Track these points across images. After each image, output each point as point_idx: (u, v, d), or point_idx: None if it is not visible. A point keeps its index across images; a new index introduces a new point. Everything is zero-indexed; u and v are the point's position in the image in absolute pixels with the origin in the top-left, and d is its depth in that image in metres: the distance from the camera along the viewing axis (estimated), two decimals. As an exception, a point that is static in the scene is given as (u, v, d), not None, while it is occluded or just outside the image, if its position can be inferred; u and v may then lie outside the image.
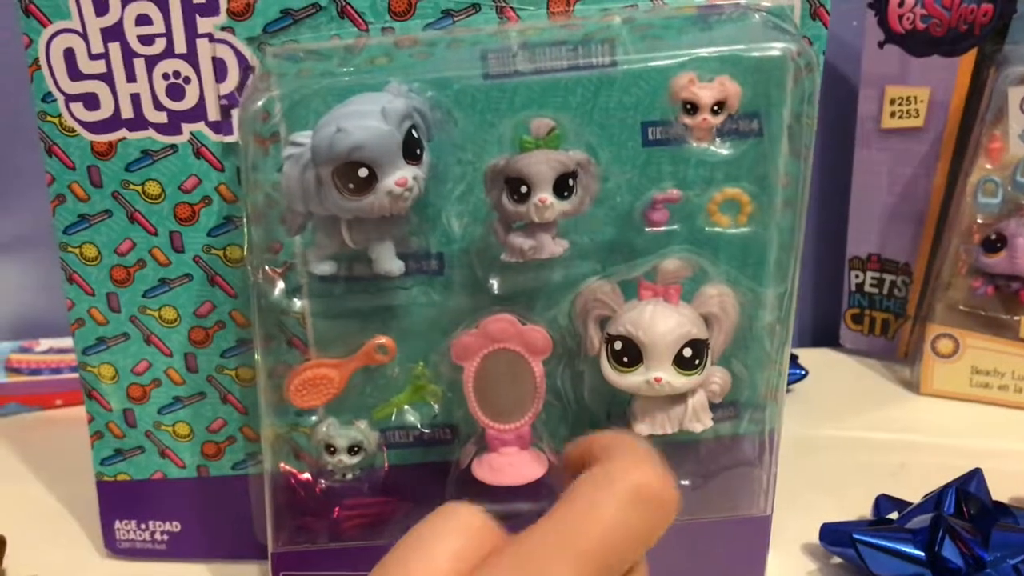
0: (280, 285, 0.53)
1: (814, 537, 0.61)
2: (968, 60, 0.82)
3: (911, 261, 0.89)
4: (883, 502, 0.64)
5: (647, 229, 0.53)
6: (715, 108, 0.50)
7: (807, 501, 0.65)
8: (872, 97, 0.86)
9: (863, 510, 0.65)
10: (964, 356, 0.82)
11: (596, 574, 0.31)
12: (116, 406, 0.61)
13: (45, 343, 0.89)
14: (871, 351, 0.93)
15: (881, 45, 0.84)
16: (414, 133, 0.49)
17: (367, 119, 0.47)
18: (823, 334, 0.96)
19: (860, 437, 0.77)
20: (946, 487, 0.60)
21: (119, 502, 0.63)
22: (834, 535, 0.60)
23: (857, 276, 0.91)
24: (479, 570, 0.32)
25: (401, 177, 0.48)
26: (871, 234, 0.90)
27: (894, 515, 0.62)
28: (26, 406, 0.85)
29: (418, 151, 0.49)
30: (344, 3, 0.52)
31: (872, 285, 0.91)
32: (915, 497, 0.62)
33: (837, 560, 0.61)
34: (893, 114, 0.85)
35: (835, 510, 0.64)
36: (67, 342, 0.89)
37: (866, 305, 0.92)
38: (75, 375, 0.84)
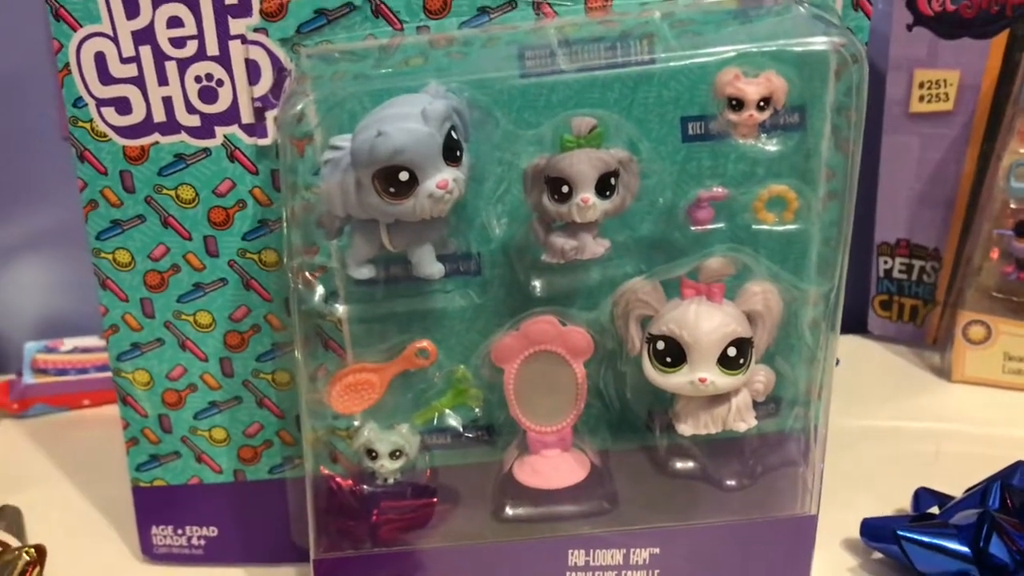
0: (320, 289, 0.53)
1: (853, 532, 0.61)
2: (999, 42, 0.80)
3: (940, 247, 0.88)
4: (923, 495, 0.64)
5: (692, 228, 0.52)
6: (761, 104, 0.49)
7: (844, 494, 0.64)
8: (900, 81, 0.84)
9: (901, 502, 0.65)
10: (996, 343, 0.82)
11: None
12: (151, 412, 0.60)
13: (69, 342, 0.88)
14: (899, 338, 0.92)
15: (910, 28, 0.83)
16: (454, 135, 0.48)
17: (408, 122, 0.46)
18: (850, 321, 0.94)
19: (893, 426, 0.76)
20: (990, 481, 0.59)
21: (155, 508, 0.62)
22: (875, 531, 0.60)
23: (885, 262, 0.90)
24: None
25: (442, 179, 0.47)
26: (899, 220, 0.89)
27: (934, 509, 0.62)
28: (53, 406, 0.85)
29: (458, 152, 0.48)
30: (379, 2, 0.51)
31: (901, 271, 0.90)
32: (953, 488, 0.62)
33: (878, 555, 0.60)
34: (922, 98, 0.84)
35: (873, 503, 0.63)
36: (92, 341, 0.88)
37: (895, 291, 0.91)
38: (102, 375, 0.84)
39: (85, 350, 0.87)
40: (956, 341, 0.83)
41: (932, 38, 0.82)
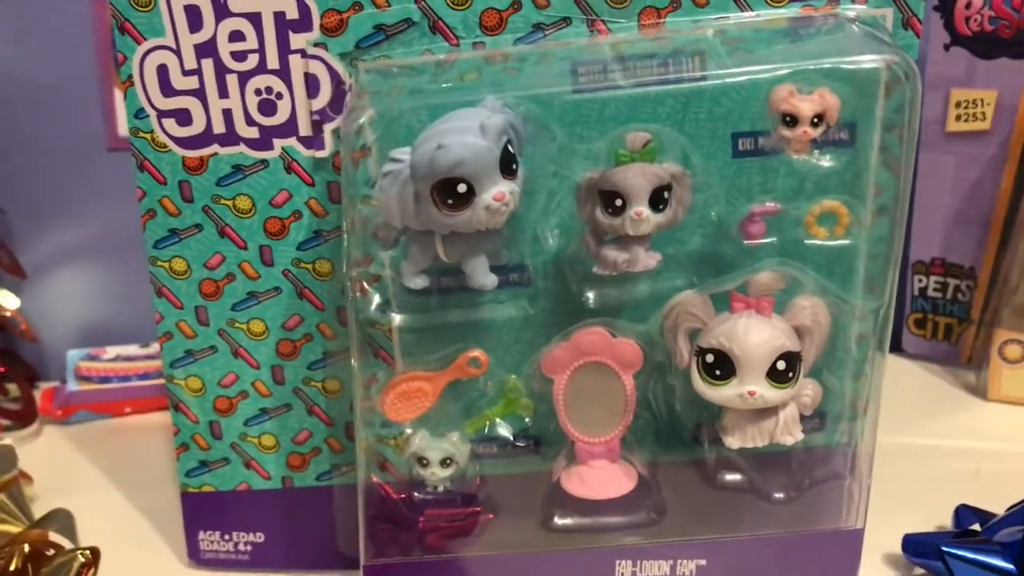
0: (376, 299, 0.54)
1: (895, 547, 0.61)
2: (1037, 63, 0.81)
3: (976, 265, 0.88)
4: (964, 512, 0.64)
5: (744, 242, 0.53)
6: (815, 120, 0.50)
7: (884, 510, 0.64)
8: (937, 100, 0.85)
9: (941, 519, 0.65)
10: (1033, 362, 0.82)
11: None
12: (202, 418, 0.61)
13: (112, 351, 0.90)
14: (933, 356, 0.92)
15: (947, 47, 0.83)
16: (510, 148, 0.49)
17: (467, 135, 0.47)
18: (885, 339, 0.95)
19: (931, 444, 0.76)
20: (1034, 498, 0.59)
21: (203, 513, 0.63)
22: (917, 546, 0.60)
23: (920, 280, 0.91)
24: None
25: (499, 192, 0.48)
26: (935, 238, 0.89)
27: (976, 526, 0.62)
28: (96, 413, 0.86)
29: (514, 166, 0.49)
30: (436, 18, 0.52)
31: (936, 289, 0.90)
32: (993, 506, 0.62)
33: (920, 571, 0.60)
34: (959, 117, 0.85)
35: (913, 519, 0.63)
36: (133, 350, 0.90)
37: (929, 310, 0.91)
38: (144, 383, 0.86)
39: (128, 358, 0.88)
40: (992, 360, 0.83)
41: (969, 58, 0.83)
